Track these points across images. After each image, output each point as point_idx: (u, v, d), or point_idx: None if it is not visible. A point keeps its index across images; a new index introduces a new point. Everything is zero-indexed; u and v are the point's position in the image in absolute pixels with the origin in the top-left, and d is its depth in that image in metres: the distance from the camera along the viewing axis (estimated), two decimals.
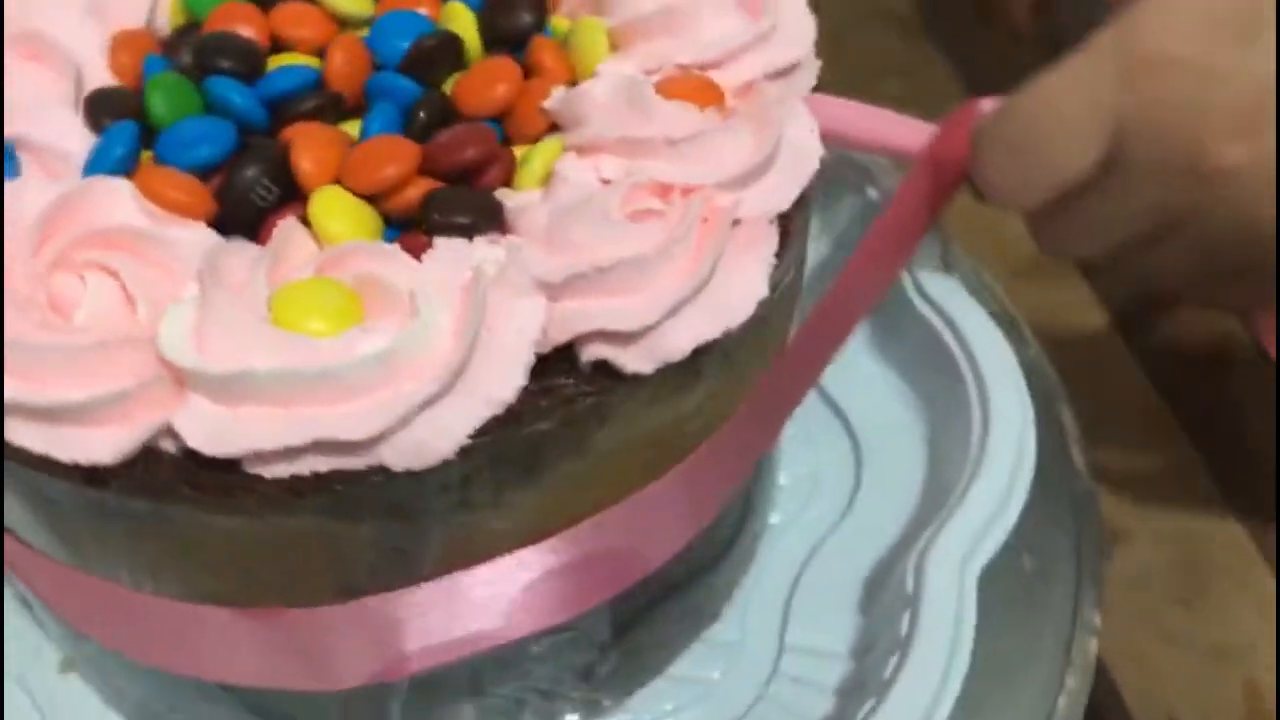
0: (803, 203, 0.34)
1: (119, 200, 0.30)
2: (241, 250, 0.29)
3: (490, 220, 0.30)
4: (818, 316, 0.42)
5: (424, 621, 0.32)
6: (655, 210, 0.31)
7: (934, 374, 0.46)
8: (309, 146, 0.31)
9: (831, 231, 0.52)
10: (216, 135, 0.32)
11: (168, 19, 0.37)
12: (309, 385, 0.27)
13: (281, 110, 0.33)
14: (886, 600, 0.40)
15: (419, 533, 0.30)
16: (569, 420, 0.29)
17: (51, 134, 0.32)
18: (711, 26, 0.35)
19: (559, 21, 0.36)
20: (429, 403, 0.27)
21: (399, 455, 0.28)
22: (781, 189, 0.32)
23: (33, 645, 0.41)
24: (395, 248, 0.30)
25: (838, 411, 0.47)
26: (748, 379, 0.34)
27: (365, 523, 0.29)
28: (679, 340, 0.30)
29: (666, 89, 0.33)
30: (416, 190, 0.31)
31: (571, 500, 0.32)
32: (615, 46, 0.35)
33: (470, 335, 0.28)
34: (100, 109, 0.33)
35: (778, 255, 0.32)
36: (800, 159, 0.33)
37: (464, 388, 0.28)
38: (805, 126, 0.34)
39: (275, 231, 0.30)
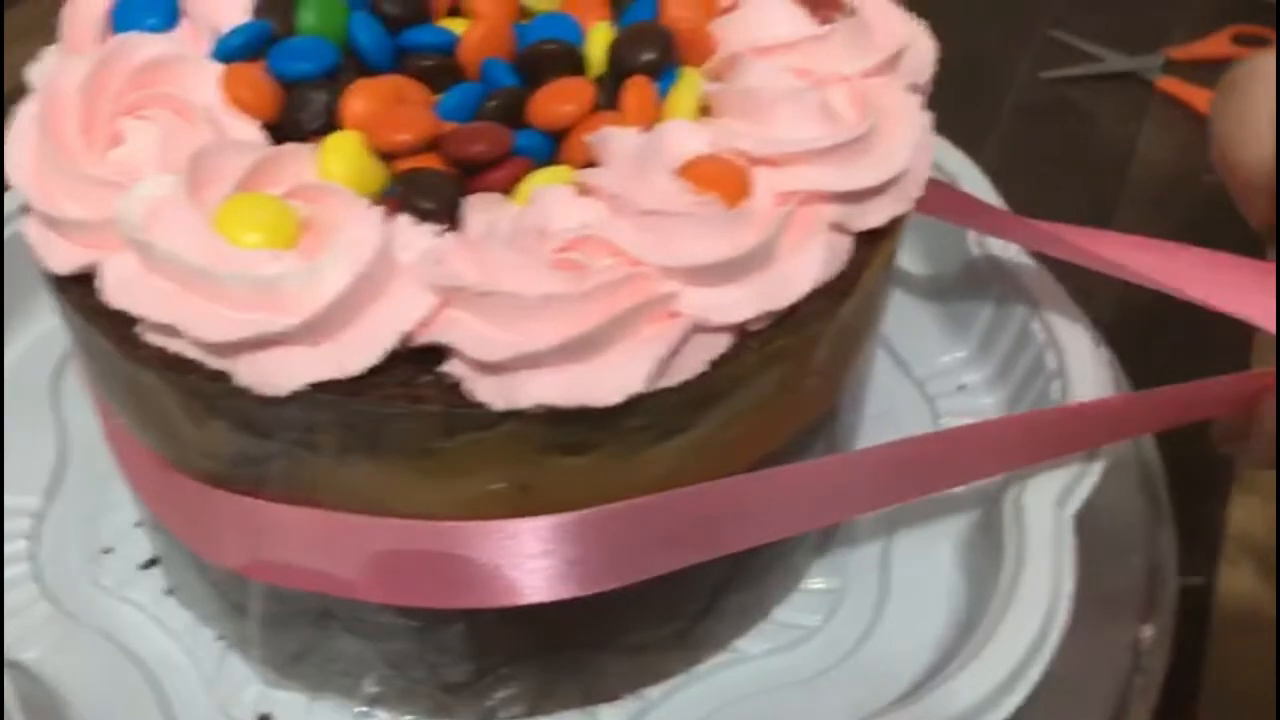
0: (786, 326, 0.31)
1: (201, 78, 0.34)
2: (242, 154, 0.32)
3: (442, 213, 0.31)
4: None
5: (277, 538, 0.34)
6: (584, 266, 0.30)
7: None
8: (366, 93, 0.34)
9: None
10: (318, 57, 0.35)
11: None
12: (193, 277, 0.30)
13: (404, 61, 0.36)
14: None
15: (264, 453, 0.32)
16: (411, 417, 0.30)
17: (213, 11, 0.36)
18: (787, 123, 0.33)
19: (689, 72, 0.36)
20: (282, 339, 0.29)
21: (246, 373, 0.30)
22: (739, 302, 0.30)
23: None
24: (362, 201, 0.31)
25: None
26: (645, 468, 0.33)
27: (219, 419, 0.32)
28: (530, 391, 0.29)
29: (689, 167, 0.32)
30: (419, 163, 0.33)
31: (409, 494, 0.32)
32: (707, 110, 0.35)
33: (347, 298, 0.29)
34: (267, 6, 0.37)
35: (714, 364, 0.31)
36: (783, 283, 0.31)
37: (322, 342, 0.30)
38: (816, 255, 0.31)
39: (273, 150, 0.32)
